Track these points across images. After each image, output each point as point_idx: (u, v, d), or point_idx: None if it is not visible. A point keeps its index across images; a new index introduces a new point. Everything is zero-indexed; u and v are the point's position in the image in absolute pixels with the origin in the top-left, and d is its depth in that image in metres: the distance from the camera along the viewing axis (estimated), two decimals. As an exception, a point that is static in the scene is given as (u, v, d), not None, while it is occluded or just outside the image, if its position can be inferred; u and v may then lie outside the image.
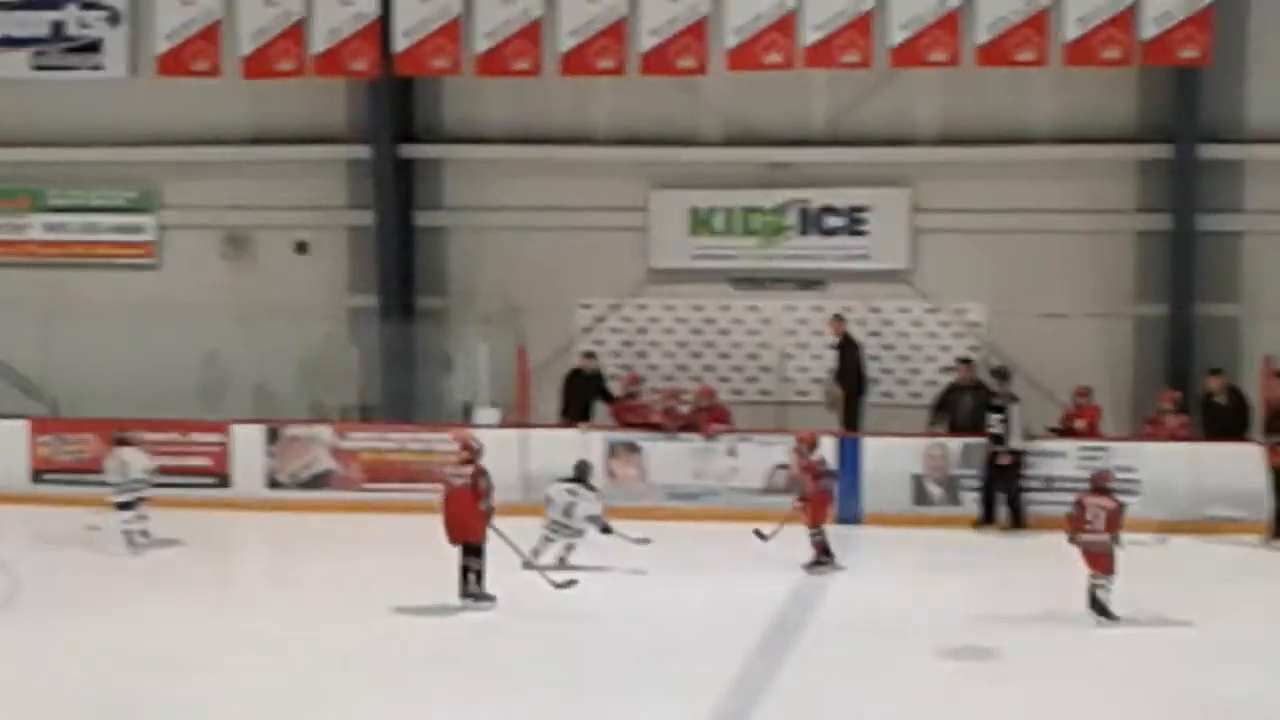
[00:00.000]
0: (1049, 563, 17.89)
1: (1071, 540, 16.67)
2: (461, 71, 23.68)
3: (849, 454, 21.84)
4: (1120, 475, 21.26)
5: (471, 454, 17.33)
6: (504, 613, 16.97)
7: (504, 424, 23.17)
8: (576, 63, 23.24)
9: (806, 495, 19.25)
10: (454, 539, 17.08)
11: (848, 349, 23.41)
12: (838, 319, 23.63)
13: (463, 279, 25.23)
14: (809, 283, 24.61)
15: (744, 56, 22.83)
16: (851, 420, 23.03)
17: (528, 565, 18.18)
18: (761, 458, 22.21)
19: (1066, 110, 23.78)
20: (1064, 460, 21.54)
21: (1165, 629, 16.50)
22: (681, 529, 21.11)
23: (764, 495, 21.97)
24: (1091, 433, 22.00)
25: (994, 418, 21.59)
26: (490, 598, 17.11)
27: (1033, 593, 17.72)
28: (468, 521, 17.02)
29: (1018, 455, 21.44)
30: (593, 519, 18.97)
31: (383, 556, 19.69)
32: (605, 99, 24.69)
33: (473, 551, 17.14)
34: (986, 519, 21.51)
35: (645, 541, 18.89)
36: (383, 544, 20.37)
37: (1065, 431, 22.05)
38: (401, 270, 25.13)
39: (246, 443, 23.23)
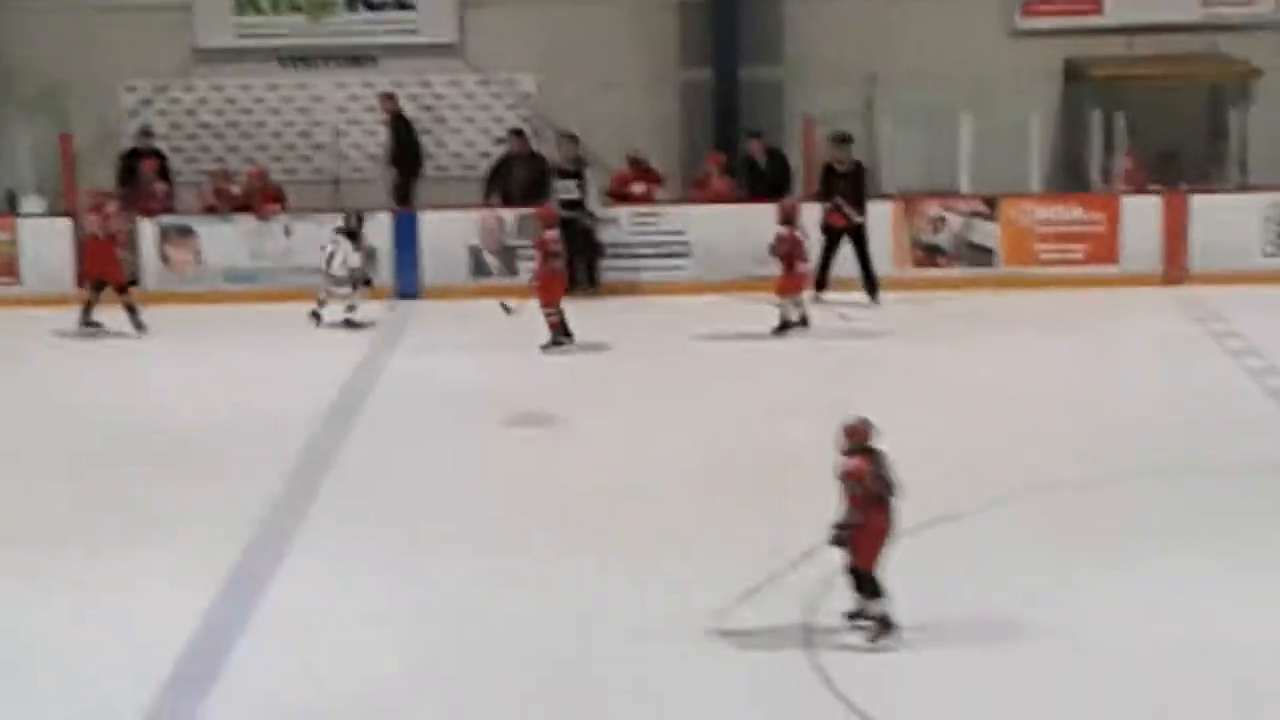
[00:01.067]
0: (624, 323, 18.37)
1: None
2: None
3: (405, 229, 21.88)
4: (671, 239, 21.88)
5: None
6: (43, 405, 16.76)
7: (51, 212, 22.64)
8: None
9: (537, 274, 19.14)
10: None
11: (399, 126, 23.36)
12: (387, 97, 23.52)
13: (-1, 62, 24.38)
14: (358, 59, 24.40)
15: None
16: (405, 196, 23.03)
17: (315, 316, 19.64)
18: (317, 236, 22.11)
19: None
20: (616, 227, 21.91)
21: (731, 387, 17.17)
22: (239, 311, 20.99)
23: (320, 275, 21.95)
24: (648, 197, 22.36)
25: (568, 184, 21.72)
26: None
27: (606, 359, 18.19)
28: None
29: (594, 219, 21.64)
30: (352, 271, 19.63)
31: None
32: None
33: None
34: (570, 284, 21.59)
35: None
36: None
37: (624, 197, 22.35)
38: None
39: None
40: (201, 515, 13.26)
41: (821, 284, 20.84)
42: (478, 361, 18.41)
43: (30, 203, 22.81)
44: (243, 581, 12.10)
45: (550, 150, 22.59)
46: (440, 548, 12.43)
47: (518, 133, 23.14)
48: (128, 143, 23.48)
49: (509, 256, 22.05)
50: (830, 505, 12.42)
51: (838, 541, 10.76)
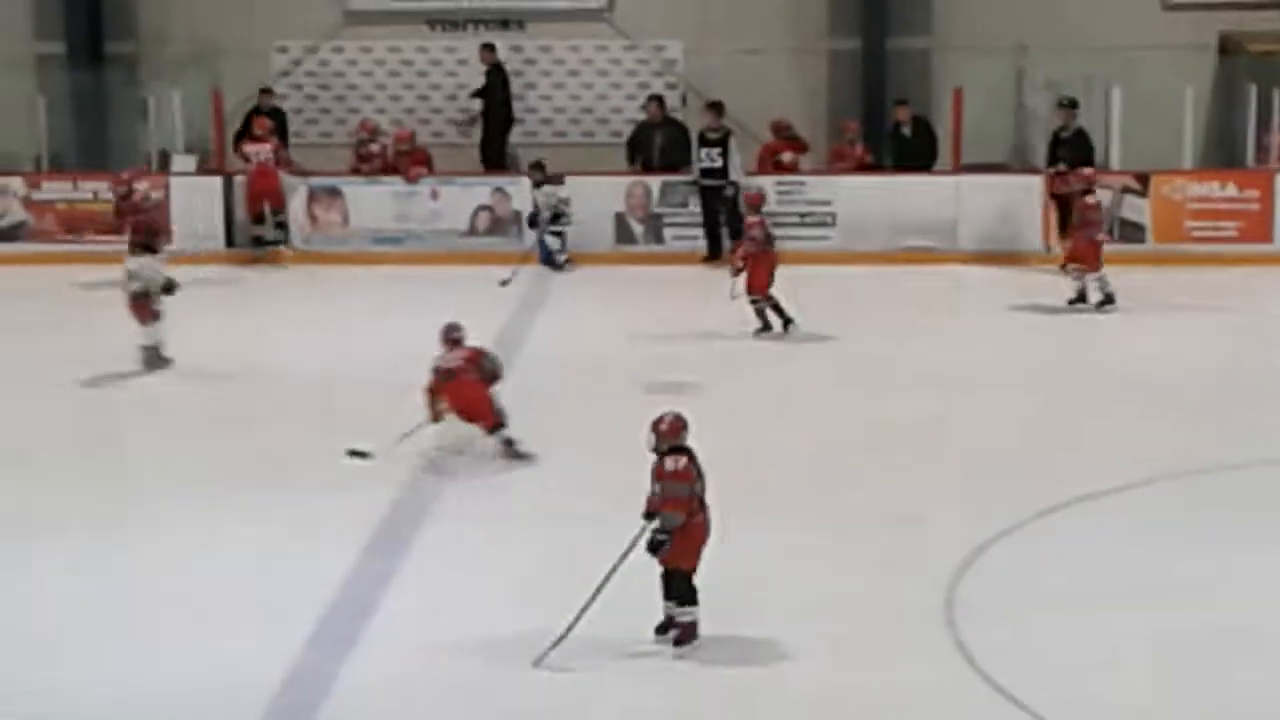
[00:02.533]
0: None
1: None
2: None
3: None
4: (816, 208, 21.78)
5: None
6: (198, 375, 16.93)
7: (201, 170, 22.91)
8: None
9: (742, 257, 18.34)
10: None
11: (496, 79, 23.38)
12: (487, 48, 23.60)
13: (153, 22, 24.57)
14: (506, 23, 24.44)
15: None
16: (497, 154, 23.13)
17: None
18: (464, 200, 22.21)
19: None
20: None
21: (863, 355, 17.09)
22: (384, 273, 21.14)
23: (466, 238, 22.05)
24: (794, 167, 22.29)
25: (712, 152, 21.67)
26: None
27: (746, 325, 18.18)
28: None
29: (736, 188, 21.59)
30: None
31: (78, 306, 19.48)
32: None
33: None
34: (713, 253, 21.60)
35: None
36: (80, 294, 20.07)
37: (776, 166, 22.27)
38: (89, 14, 24.42)
39: (-65, 194, 22.62)
40: (348, 474, 13.33)
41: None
42: (620, 328, 18.40)
43: (181, 161, 23.06)
44: (387, 541, 12.17)
45: (697, 118, 22.54)
46: (582, 514, 12.41)
47: (655, 99, 23.10)
48: (276, 104, 23.66)
49: (654, 223, 22.06)
50: (959, 481, 12.40)
51: (657, 547, 9.97)
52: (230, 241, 22.21)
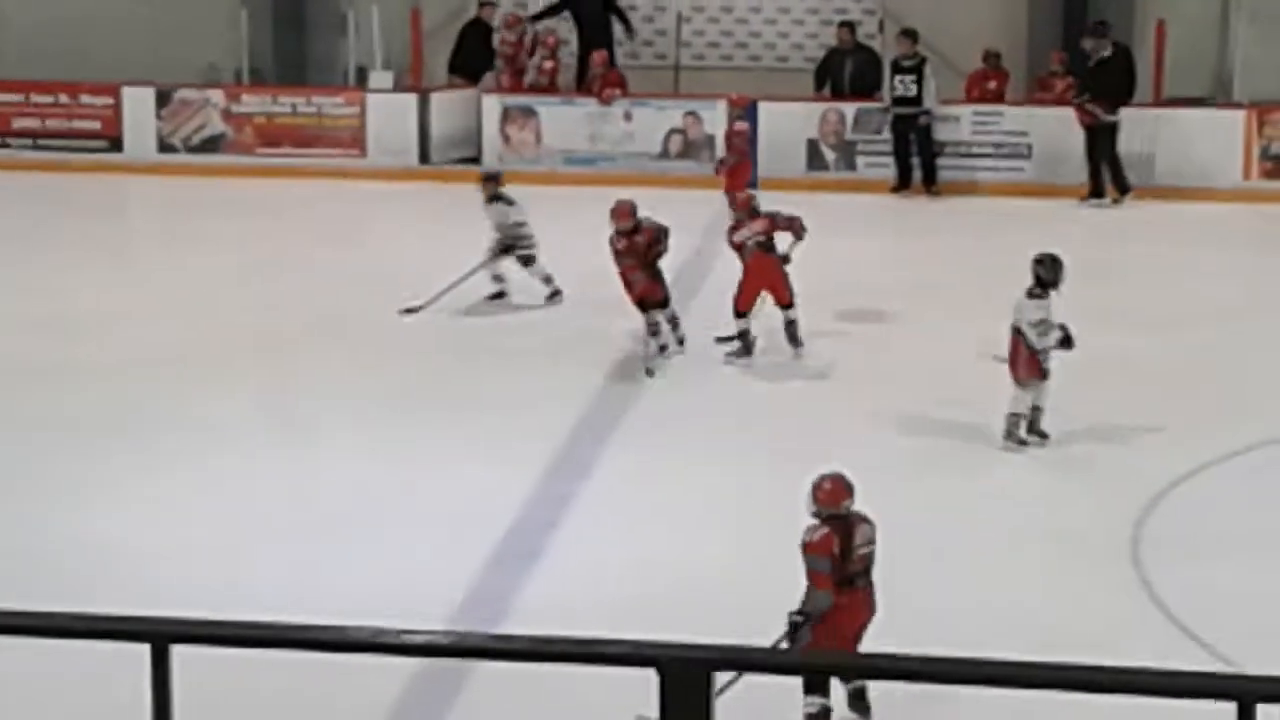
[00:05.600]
0: (967, 225, 18.14)
1: None
2: None
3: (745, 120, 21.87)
4: (1012, 139, 21.51)
5: None
6: (386, 291, 17.07)
7: (399, 87, 23.08)
8: None
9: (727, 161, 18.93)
10: None
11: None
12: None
13: (354, -61, 24.78)
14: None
15: None
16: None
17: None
18: (657, 122, 22.21)
19: None
20: (956, 125, 21.64)
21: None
22: (578, 193, 21.17)
23: (659, 160, 22.05)
24: (998, 94, 22.04)
25: (906, 79, 21.47)
26: None
27: (939, 257, 17.99)
28: None
29: (931, 116, 21.41)
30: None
31: (276, 219, 19.70)
32: None
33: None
34: (903, 183, 21.49)
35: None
36: (276, 209, 20.33)
37: (982, 96, 22.05)
38: (292, -71, 24.68)
39: (137, 105, 22.98)
40: (526, 398, 13.40)
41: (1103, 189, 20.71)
42: (812, 253, 18.30)
43: (378, 78, 23.26)
44: (566, 467, 12.23)
45: (892, 45, 22.35)
46: (753, 452, 12.35)
47: (846, 24, 22.91)
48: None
49: (847, 150, 21.92)
50: (1156, 417, 12.25)
51: (794, 632, 8.20)
52: (424, 158, 22.38)
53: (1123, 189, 20.72)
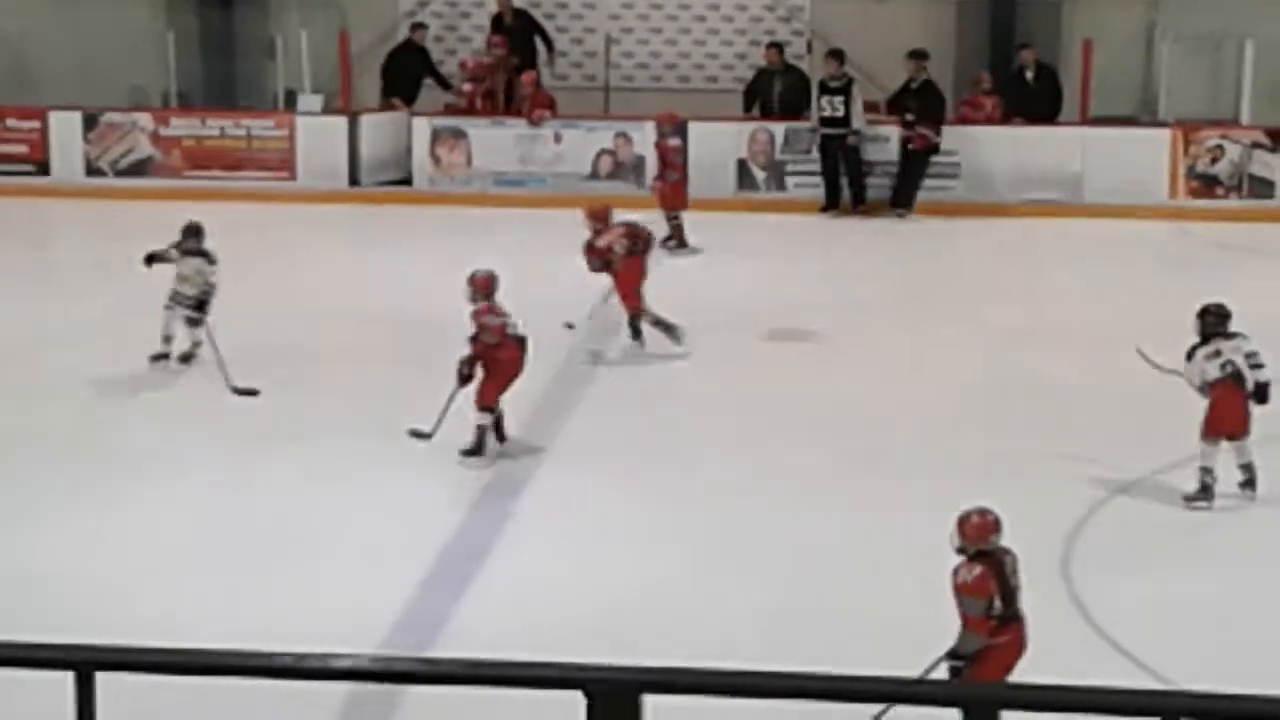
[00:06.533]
0: (887, 247, 18.19)
1: None
2: None
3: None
4: (941, 159, 21.61)
5: None
6: (314, 314, 17.01)
7: (328, 110, 23.03)
8: None
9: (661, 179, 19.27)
10: None
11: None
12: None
13: (282, -39, 24.74)
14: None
15: None
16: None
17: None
18: (587, 143, 22.23)
19: None
20: (886, 145, 21.71)
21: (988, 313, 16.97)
22: (508, 214, 21.18)
23: (589, 181, 22.06)
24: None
25: (834, 100, 21.54)
26: None
27: (868, 276, 18.03)
28: None
29: (859, 136, 21.51)
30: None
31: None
32: None
33: None
34: (831, 203, 21.56)
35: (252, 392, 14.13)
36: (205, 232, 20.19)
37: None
38: (219, -48, 24.61)
39: (64, 129, 22.85)
40: (457, 420, 13.35)
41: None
42: (741, 274, 18.37)
43: (307, 101, 23.20)
44: (500, 484, 12.20)
45: (820, 65, 22.42)
46: (694, 461, 12.41)
47: (775, 45, 23.01)
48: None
49: (777, 171, 21.98)
50: (1083, 436, 12.29)
51: (954, 677, 8.01)
52: (354, 181, 22.35)
53: (910, 205, 21.31)
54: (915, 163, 21.27)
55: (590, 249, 14.78)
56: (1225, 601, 10.25)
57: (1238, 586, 10.43)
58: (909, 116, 21.24)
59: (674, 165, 19.43)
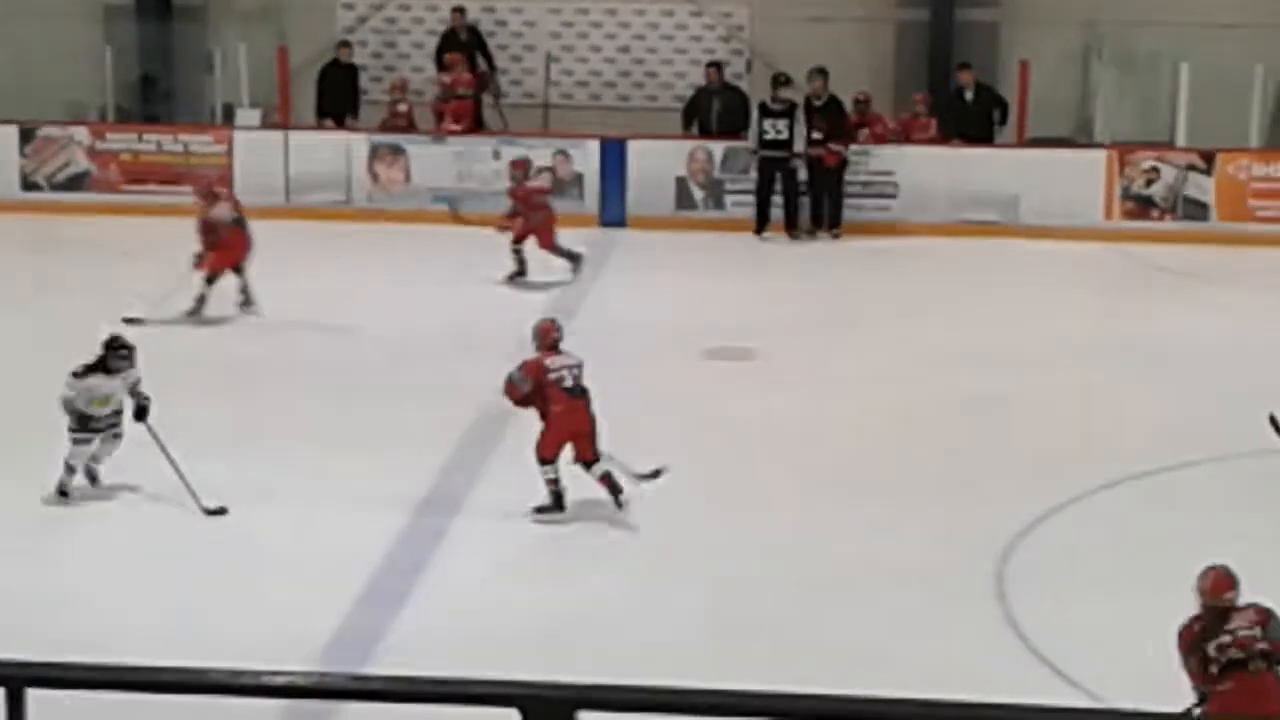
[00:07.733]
0: (824, 266, 18.21)
1: None
2: None
3: (612, 158, 21.92)
4: (879, 179, 21.68)
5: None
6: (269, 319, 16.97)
7: (265, 125, 22.96)
8: None
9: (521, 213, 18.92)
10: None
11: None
12: (458, 10, 23.47)
13: (221, -24, 24.65)
14: (574, -18, 24.43)
15: None
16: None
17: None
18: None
19: None
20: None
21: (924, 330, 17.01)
22: (446, 231, 21.12)
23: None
24: (880, 138, 22.15)
25: (778, 124, 21.54)
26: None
27: (807, 295, 18.08)
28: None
29: (802, 159, 21.49)
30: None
31: (141, 260, 19.50)
32: None
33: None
34: (762, 225, 21.53)
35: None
36: (142, 247, 20.13)
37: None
38: (157, -34, 24.50)
39: (0, 143, 22.70)
40: (401, 434, 13.36)
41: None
42: (680, 292, 18.39)
43: (245, 115, 23.11)
44: (438, 501, 12.19)
45: (762, 84, 22.45)
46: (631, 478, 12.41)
47: (714, 65, 23.04)
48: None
49: (715, 190, 22.00)
50: (1015, 457, 12.37)
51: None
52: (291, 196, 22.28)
53: (840, 224, 21.38)
54: (834, 180, 21.30)
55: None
56: (1161, 621, 10.30)
57: (1174, 606, 10.49)
58: (816, 135, 21.22)
59: (538, 205, 19.10)
